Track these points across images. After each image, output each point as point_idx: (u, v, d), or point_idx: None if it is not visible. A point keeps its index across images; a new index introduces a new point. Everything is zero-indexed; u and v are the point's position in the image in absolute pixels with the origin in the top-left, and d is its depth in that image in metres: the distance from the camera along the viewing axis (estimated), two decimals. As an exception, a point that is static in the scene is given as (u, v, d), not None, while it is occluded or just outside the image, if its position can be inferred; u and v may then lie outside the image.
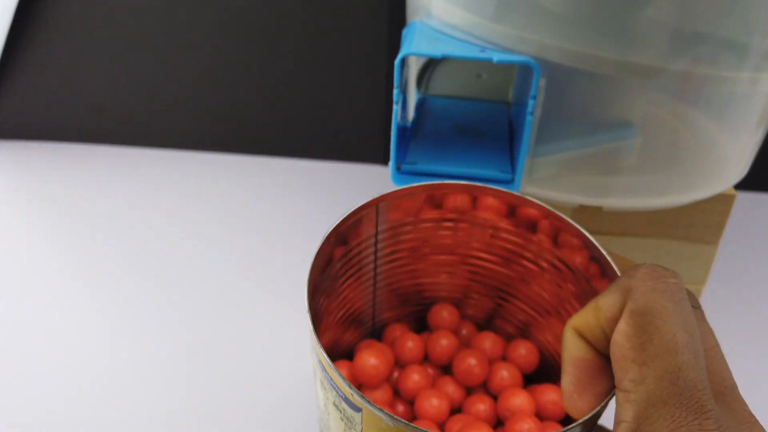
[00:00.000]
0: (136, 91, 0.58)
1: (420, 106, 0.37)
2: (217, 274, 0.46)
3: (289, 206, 0.54)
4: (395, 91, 0.28)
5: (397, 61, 0.28)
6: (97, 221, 0.51)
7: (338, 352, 0.31)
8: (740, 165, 0.33)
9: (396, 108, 0.29)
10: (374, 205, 0.26)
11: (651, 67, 0.29)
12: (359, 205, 0.26)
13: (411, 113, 0.36)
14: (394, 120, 0.29)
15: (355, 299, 0.30)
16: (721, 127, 0.33)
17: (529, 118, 0.28)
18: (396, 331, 0.32)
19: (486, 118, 0.36)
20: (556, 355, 0.30)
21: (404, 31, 0.32)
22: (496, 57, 0.27)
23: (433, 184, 0.27)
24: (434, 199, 0.28)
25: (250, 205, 0.54)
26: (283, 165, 0.60)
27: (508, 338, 0.32)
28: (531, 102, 0.28)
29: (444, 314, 0.32)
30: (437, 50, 0.28)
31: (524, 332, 0.32)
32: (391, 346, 0.31)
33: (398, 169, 0.31)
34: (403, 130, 0.34)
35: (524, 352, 0.31)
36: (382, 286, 0.31)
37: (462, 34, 0.29)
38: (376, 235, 0.28)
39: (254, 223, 0.52)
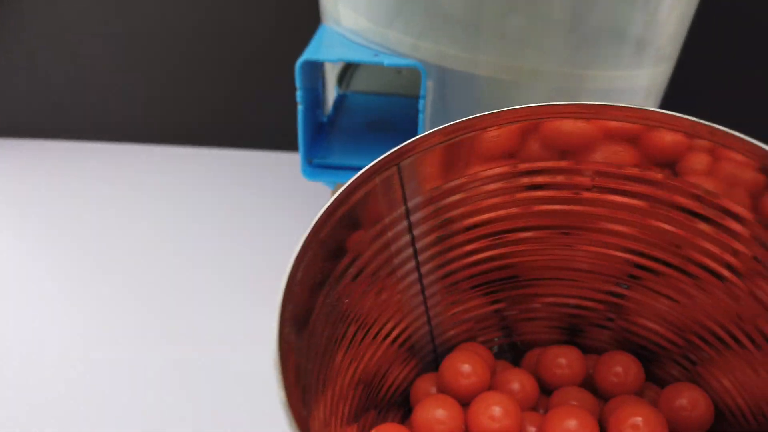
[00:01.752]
0: (93, 86, 0.60)
1: (339, 102, 0.39)
2: (187, 270, 0.49)
3: (259, 199, 0.57)
4: (298, 93, 0.31)
5: (297, 66, 0.30)
6: (57, 217, 0.53)
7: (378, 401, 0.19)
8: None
9: (301, 108, 0.31)
10: (394, 165, 0.15)
11: (535, 70, 0.32)
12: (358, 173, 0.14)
13: (328, 109, 0.39)
14: (300, 119, 0.32)
15: (393, 320, 0.18)
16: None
17: (420, 115, 0.31)
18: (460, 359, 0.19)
19: (399, 113, 0.38)
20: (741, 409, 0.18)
21: (315, 34, 0.35)
22: (387, 61, 0.30)
23: (497, 114, 0.15)
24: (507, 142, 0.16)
25: (216, 198, 0.57)
26: (245, 156, 0.62)
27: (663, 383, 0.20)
28: (421, 101, 0.31)
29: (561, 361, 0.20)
30: (334, 55, 0.31)
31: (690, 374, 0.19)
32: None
33: (310, 163, 0.34)
34: (320, 126, 0.37)
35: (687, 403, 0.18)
36: (434, 292, 0.19)
37: (362, 39, 0.32)
38: (407, 214, 0.17)
39: (225, 218, 0.54)
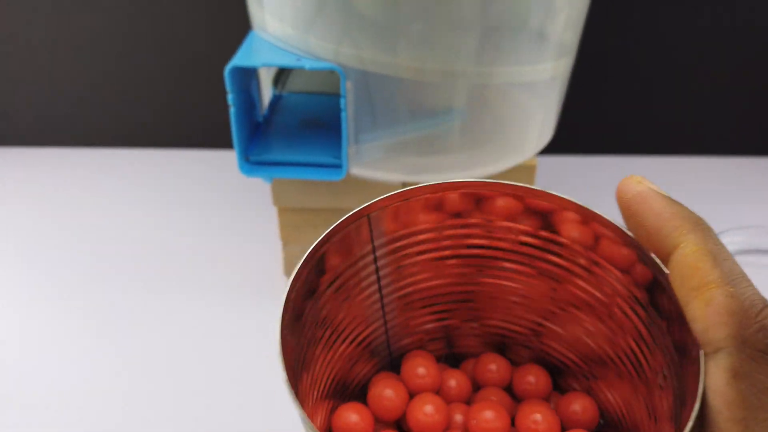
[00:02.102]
0: (39, 92, 0.62)
1: (275, 103, 0.42)
2: (136, 274, 0.51)
3: (202, 195, 0.59)
4: (230, 97, 0.34)
5: (226, 73, 0.33)
6: (15, 224, 0.55)
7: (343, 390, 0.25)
8: (540, 136, 0.40)
9: (233, 110, 0.34)
10: (365, 216, 0.22)
11: (448, 71, 0.35)
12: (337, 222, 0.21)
13: (264, 109, 0.41)
14: (232, 120, 0.35)
15: (355, 325, 0.24)
16: (535, 101, 0.40)
17: (342, 114, 0.34)
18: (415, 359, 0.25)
19: (331, 111, 0.41)
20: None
21: (244, 41, 0.38)
22: (308, 65, 0.33)
23: (434, 186, 0.22)
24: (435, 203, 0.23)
25: (162, 197, 0.59)
26: (196, 156, 0.65)
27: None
28: (341, 101, 0.34)
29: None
30: (260, 60, 0.33)
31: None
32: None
33: (247, 160, 0.37)
34: (256, 125, 0.40)
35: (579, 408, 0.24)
36: (393, 308, 0.25)
37: (287, 45, 0.35)
38: (374, 250, 0.23)
39: (171, 215, 0.57)
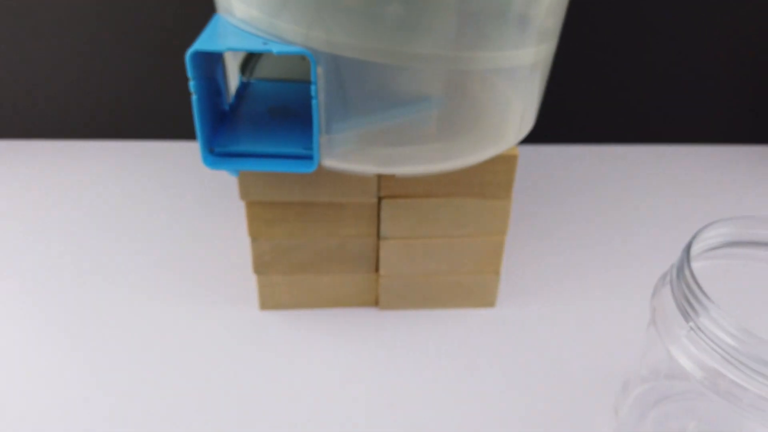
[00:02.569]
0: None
1: (242, 90, 0.40)
2: (92, 265, 0.48)
3: (165, 189, 0.56)
4: (191, 83, 0.32)
5: (187, 57, 0.31)
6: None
7: None
8: (521, 126, 0.38)
9: (195, 98, 0.32)
10: None
11: (423, 55, 0.34)
12: None
13: (230, 97, 0.39)
14: (195, 108, 0.32)
15: None
16: (515, 89, 0.38)
17: (313, 101, 0.32)
18: None
19: (302, 99, 0.39)
20: None
21: (208, 24, 0.35)
22: (276, 49, 0.31)
23: None
24: None
25: (124, 190, 0.56)
26: (150, 147, 0.62)
27: None
28: (312, 87, 0.32)
29: None
30: (223, 45, 0.31)
31: None
32: None
33: (211, 152, 0.35)
34: (222, 115, 0.38)
35: None
36: None
37: (252, 28, 0.33)
38: None
39: (134, 210, 0.54)
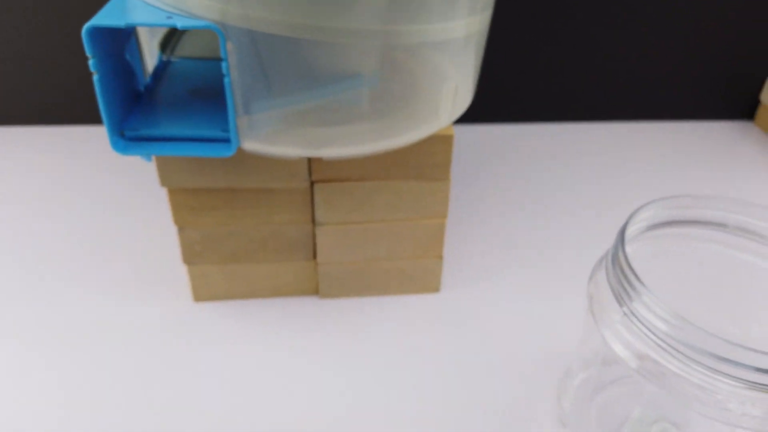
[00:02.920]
0: None
1: (161, 69, 0.37)
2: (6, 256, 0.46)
3: (78, 176, 0.54)
4: (91, 62, 0.29)
5: (84, 33, 0.28)
6: None
7: None
8: (455, 104, 0.37)
9: (96, 77, 0.30)
10: None
11: (348, 30, 0.31)
12: None
13: (147, 77, 0.37)
14: (97, 89, 0.30)
15: None
16: (448, 64, 0.36)
17: (225, 80, 0.30)
18: None
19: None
20: None
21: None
22: (180, 23, 0.29)
23: None
24: None
25: (32, 179, 0.53)
26: (57, 133, 0.59)
27: None
28: (223, 64, 0.29)
29: None
30: (123, 20, 0.29)
31: None
32: None
33: (122, 135, 0.32)
34: (137, 96, 0.35)
35: None
36: None
37: (159, 2, 0.30)
38: None
39: (45, 199, 0.51)
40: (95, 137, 0.58)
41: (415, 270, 0.42)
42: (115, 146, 0.32)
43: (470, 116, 0.61)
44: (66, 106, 0.58)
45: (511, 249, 0.47)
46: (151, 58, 0.37)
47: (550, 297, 0.43)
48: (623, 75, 0.61)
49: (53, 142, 0.57)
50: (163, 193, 0.51)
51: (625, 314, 0.28)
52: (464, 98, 0.37)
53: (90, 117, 0.59)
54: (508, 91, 0.60)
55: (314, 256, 0.41)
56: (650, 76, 0.61)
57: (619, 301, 0.29)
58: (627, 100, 0.63)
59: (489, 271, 0.45)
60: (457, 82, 0.35)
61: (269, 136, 0.34)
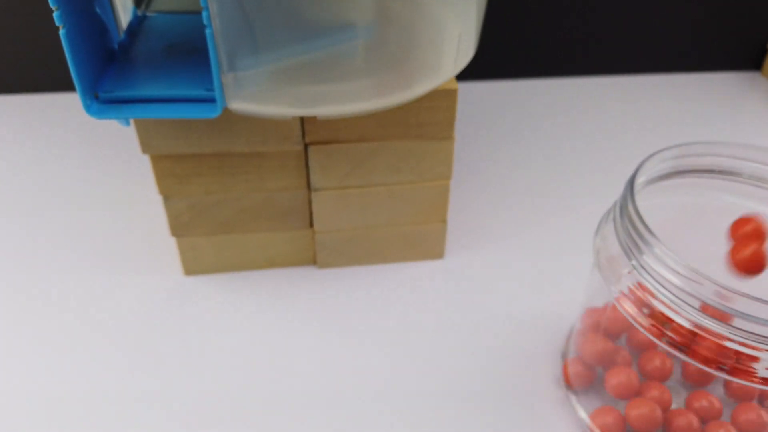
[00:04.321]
0: None
1: (135, 25, 0.34)
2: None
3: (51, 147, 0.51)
4: (56, 14, 0.26)
5: (44, -20, 0.25)
6: None
7: None
8: (458, 55, 0.34)
9: (63, 32, 0.26)
10: None
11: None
12: None
13: (121, 34, 0.33)
14: (65, 45, 0.27)
15: None
16: (450, 11, 0.33)
17: (207, 30, 0.27)
18: None
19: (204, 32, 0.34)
20: None
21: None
22: (153, -33, 0.25)
23: None
24: None
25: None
26: (48, 101, 0.56)
27: None
28: (204, 14, 0.26)
29: None
30: (88, -36, 0.25)
31: None
32: None
33: (96, 98, 0.29)
34: (110, 54, 0.32)
35: None
36: None
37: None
38: None
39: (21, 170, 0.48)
40: (67, 105, 0.55)
41: (417, 236, 0.40)
42: (89, 110, 0.29)
43: (470, 72, 0.58)
44: (33, 73, 0.55)
45: (516, 209, 0.45)
46: (124, 13, 0.34)
47: (555, 258, 0.41)
48: (627, 27, 0.58)
49: (23, 112, 0.54)
50: (146, 162, 0.48)
51: (634, 268, 0.26)
52: (468, 49, 0.34)
53: (59, 84, 0.56)
54: (510, 46, 0.57)
55: (310, 224, 0.38)
56: (654, 28, 0.58)
57: (628, 254, 0.27)
58: (631, 52, 0.60)
59: (494, 234, 0.43)
60: (459, 31, 0.32)
61: (258, 94, 0.31)
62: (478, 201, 0.46)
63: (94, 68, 0.30)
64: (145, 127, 0.32)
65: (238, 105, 0.30)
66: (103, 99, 0.29)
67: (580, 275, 0.40)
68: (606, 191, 0.47)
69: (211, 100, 0.30)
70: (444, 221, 0.39)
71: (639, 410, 0.29)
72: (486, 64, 0.58)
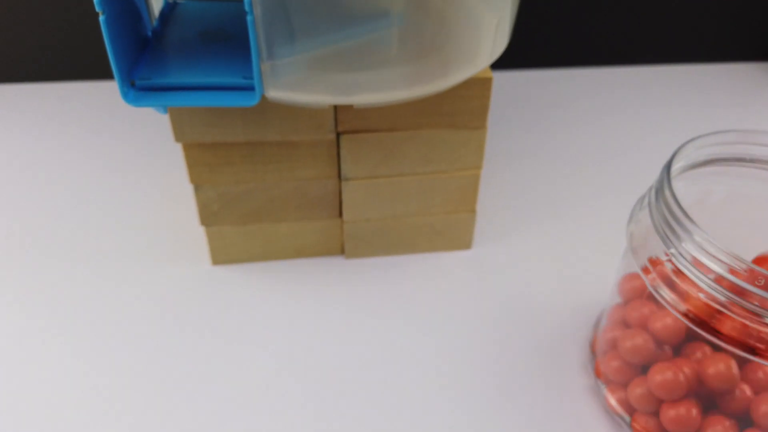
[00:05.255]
0: None
1: (167, 12, 0.34)
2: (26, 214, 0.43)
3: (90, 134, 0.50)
4: (96, 1, 0.26)
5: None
6: None
7: None
8: (495, 43, 0.34)
9: (103, 18, 0.26)
10: None
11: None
12: None
13: (153, 21, 0.33)
14: (104, 32, 0.27)
15: None
16: (485, 2, 0.33)
17: (249, 17, 0.27)
18: None
19: (238, 20, 0.34)
20: None
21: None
22: (197, -48, 0.25)
23: None
24: None
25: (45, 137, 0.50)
26: (83, 89, 0.55)
27: None
28: (246, 0, 0.26)
29: None
30: (130, -51, 0.25)
31: None
32: None
33: (132, 85, 0.29)
34: (144, 42, 0.32)
35: None
36: None
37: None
38: None
39: (56, 157, 0.48)
40: (100, 93, 0.54)
41: (445, 226, 0.39)
42: (126, 97, 0.29)
43: (499, 61, 0.58)
44: (69, 61, 0.54)
45: (544, 199, 0.45)
46: (156, 1, 0.33)
47: (582, 247, 0.41)
48: (649, 18, 0.58)
49: (56, 99, 0.54)
50: (176, 151, 0.48)
51: (672, 256, 0.26)
52: (502, 38, 0.34)
53: (92, 72, 0.55)
54: (539, 35, 0.57)
55: (339, 213, 0.38)
56: (676, 19, 0.58)
57: (665, 241, 0.27)
58: (652, 43, 0.60)
59: (522, 223, 0.43)
60: (498, 19, 0.32)
61: (294, 82, 0.30)
62: (505, 191, 0.46)
63: (130, 56, 0.29)
64: (179, 116, 0.32)
65: (274, 93, 0.30)
66: (140, 86, 0.29)
67: (608, 264, 0.40)
68: (633, 181, 0.47)
69: (249, 88, 0.29)
70: (473, 211, 0.39)
71: (663, 375, 0.29)
72: (514, 53, 0.58)
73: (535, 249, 0.41)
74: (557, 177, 0.47)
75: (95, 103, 0.53)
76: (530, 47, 0.58)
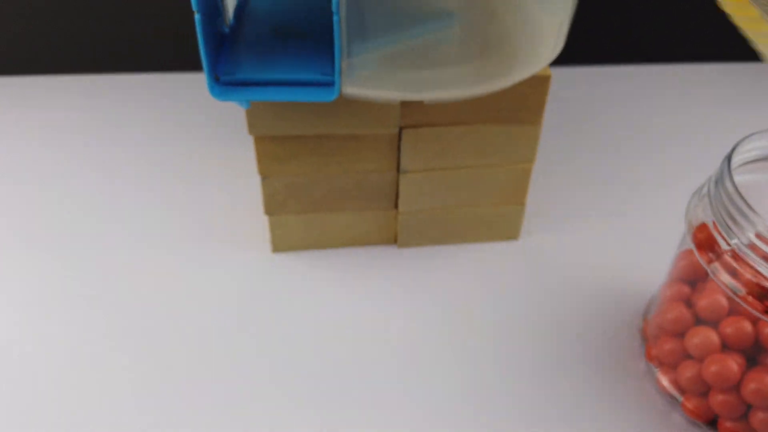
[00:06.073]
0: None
1: (240, 9, 0.35)
2: (112, 207, 0.44)
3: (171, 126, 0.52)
4: (193, 0, 0.27)
5: (188, -33, 0.26)
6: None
7: None
8: (556, 42, 0.35)
9: (198, 17, 0.28)
10: None
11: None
12: None
13: (228, 18, 0.34)
14: (198, 29, 0.28)
15: None
16: (541, 4, 0.35)
17: (335, 17, 0.28)
18: None
19: (311, 17, 0.35)
20: None
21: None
22: (292, -44, 0.27)
23: None
24: None
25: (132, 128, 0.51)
26: (153, 81, 0.56)
27: None
28: (333, 2, 0.28)
29: None
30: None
31: None
32: None
33: (217, 81, 0.31)
34: (221, 38, 0.33)
35: None
36: None
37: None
38: None
39: (144, 149, 0.49)
40: (169, 85, 0.56)
41: (495, 217, 0.41)
42: (212, 91, 0.30)
43: (557, 58, 0.59)
44: (138, 53, 0.55)
45: (589, 192, 0.46)
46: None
47: (629, 239, 0.43)
48: (699, 16, 0.59)
49: (141, 89, 0.55)
50: (245, 142, 0.49)
51: (735, 246, 0.28)
52: (562, 37, 0.35)
53: (161, 64, 0.56)
54: (594, 32, 0.58)
55: (395, 204, 0.40)
56: (718, 18, 0.60)
57: (727, 232, 0.28)
58: (699, 41, 0.61)
59: (569, 215, 0.44)
60: (562, 18, 0.34)
61: (368, 79, 0.32)
62: (553, 184, 0.47)
63: (214, 52, 0.31)
64: (255, 110, 0.33)
65: (351, 89, 0.32)
66: (224, 81, 0.31)
67: (654, 255, 0.41)
68: (684, 176, 0.48)
69: (328, 84, 0.31)
70: (523, 203, 0.41)
71: (716, 366, 0.30)
72: (568, 50, 0.59)
73: (581, 240, 0.43)
74: (605, 171, 0.49)
75: (165, 94, 0.55)
76: (584, 43, 0.60)
